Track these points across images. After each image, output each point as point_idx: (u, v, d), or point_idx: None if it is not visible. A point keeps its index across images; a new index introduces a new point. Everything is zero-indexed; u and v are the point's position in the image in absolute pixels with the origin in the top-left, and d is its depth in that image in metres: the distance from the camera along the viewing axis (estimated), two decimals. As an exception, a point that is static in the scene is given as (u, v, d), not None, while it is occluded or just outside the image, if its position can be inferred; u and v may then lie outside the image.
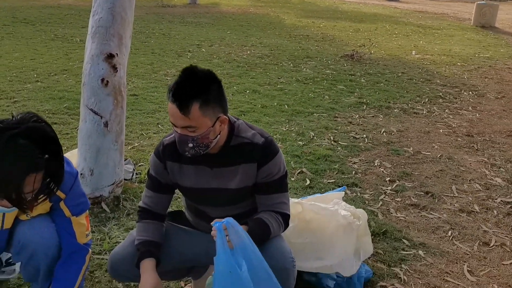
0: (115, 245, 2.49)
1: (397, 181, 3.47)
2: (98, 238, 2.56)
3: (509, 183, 3.51)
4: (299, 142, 4.19)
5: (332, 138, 4.38)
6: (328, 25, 12.94)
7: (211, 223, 1.59)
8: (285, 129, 4.56)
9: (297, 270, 1.78)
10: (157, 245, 1.85)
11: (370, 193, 3.27)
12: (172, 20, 12.22)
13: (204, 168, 1.82)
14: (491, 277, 2.40)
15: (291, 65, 7.68)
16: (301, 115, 5.09)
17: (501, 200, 3.23)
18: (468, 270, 2.43)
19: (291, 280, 1.72)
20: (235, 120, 1.85)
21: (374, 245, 2.50)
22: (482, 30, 13.26)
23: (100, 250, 2.46)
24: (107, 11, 2.85)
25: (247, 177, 1.80)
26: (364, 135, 4.49)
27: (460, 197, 3.26)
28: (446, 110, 5.49)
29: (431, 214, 3.00)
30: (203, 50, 8.52)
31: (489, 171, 3.73)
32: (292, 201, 2.22)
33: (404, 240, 2.67)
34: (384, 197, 3.21)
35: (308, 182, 3.36)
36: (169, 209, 2.01)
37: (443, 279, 2.36)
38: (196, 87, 1.59)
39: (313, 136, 4.41)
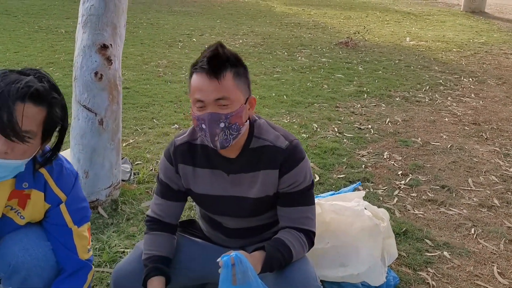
0: (116, 255, 2.29)
1: (410, 175, 3.30)
2: (96, 248, 2.34)
3: (525, 174, 3.37)
4: (303, 135, 3.99)
5: (336, 129, 4.19)
6: (318, 12, 12.71)
7: (218, 260, 1.38)
8: (286, 121, 4.36)
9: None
10: (167, 260, 1.64)
11: (383, 188, 3.09)
12: (160, 9, 11.86)
13: (221, 173, 1.60)
14: (522, 278, 2.24)
15: (286, 53, 7.46)
16: (301, 105, 4.90)
17: (519, 193, 3.09)
18: (498, 272, 2.27)
19: None
20: (256, 118, 1.62)
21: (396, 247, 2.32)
22: (472, 16, 13.12)
23: (100, 261, 2.24)
24: (98, -3, 2.60)
25: (268, 186, 1.58)
26: (369, 126, 4.31)
27: (478, 190, 3.10)
28: (449, 98, 5.34)
29: (451, 210, 2.84)
30: (194, 40, 8.24)
31: (503, 161, 3.58)
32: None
33: (426, 240, 2.50)
34: (398, 193, 3.03)
35: (317, 178, 3.17)
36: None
37: (474, 283, 2.19)
38: (229, 56, 1.44)
39: (316, 128, 4.22)
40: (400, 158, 3.60)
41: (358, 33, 8.45)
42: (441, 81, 6.05)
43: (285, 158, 1.55)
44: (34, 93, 1.30)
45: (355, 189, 2.52)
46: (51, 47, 6.99)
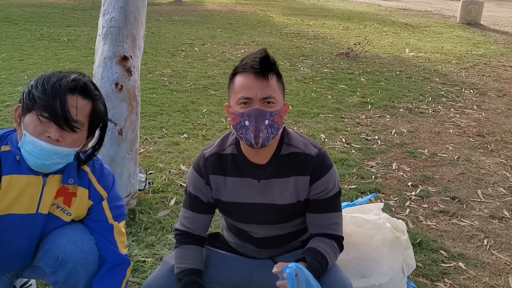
0: (137, 264, 2.32)
1: (420, 186, 3.35)
2: (118, 257, 2.36)
3: (531, 186, 3.43)
4: (311, 146, 4.04)
5: (344, 140, 4.24)
6: (317, 23, 12.84)
7: (274, 270, 1.41)
8: (294, 132, 4.40)
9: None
10: (200, 273, 1.66)
11: (395, 199, 3.14)
12: (159, 18, 11.94)
13: (251, 182, 1.64)
14: (536, 289, 2.29)
15: (288, 63, 7.53)
16: (307, 116, 4.95)
17: (527, 204, 3.14)
18: (514, 283, 2.31)
19: None
20: (285, 126, 1.68)
21: (413, 258, 2.36)
22: (468, 28, 13.31)
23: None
24: (119, 10, 2.64)
25: (299, 192, 1.63)
26: (376, 137, 4.37)
27: (488, 202, 3.16)
28: (452, 110, 5.41)
29: (462, 221, 2.89)
30: (196, 49, 8.30)
31: (509, 173, 3.64)
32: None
33: (441, 251, 2.54)
34: (410, 204, 3.08)
35: (329, 188, 3.21)
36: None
37: (491, 293, 2.24)
38: (275, 61, 1.54)
39: (324, 138, 4.27)
40: (409, 169, 3.65)
41: (359, 44, 8.55)
42: (443, 92, 6.14)
43: (316, 165, 1.60)
44: (82, 87, 1.44)
45: (369, 200, 2.56)
46: (55, 55, 7.01)
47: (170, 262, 1.70)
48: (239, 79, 1.53)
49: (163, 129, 4.31)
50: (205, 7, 15.35)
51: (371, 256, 2.07)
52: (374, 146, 4.14)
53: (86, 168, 1.59)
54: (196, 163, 1.70)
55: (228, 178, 1.65)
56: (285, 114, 1.59)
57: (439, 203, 3.11)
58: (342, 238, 1.67)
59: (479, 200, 3.18)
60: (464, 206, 3.08)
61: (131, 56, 2.65)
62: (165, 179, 3.26)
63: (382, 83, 6.50)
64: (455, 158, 3.91)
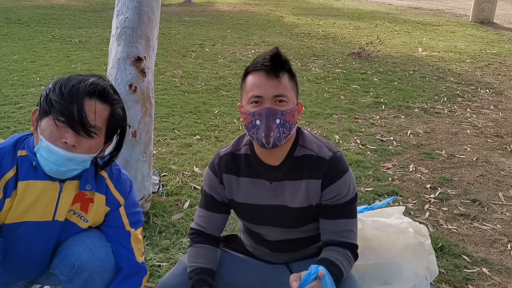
0: (152, 269, 2.27)
1: (439, 188, 3.27)
2: (132, 261, 2.32)
3: (553, 188, 3.33)
4: (326, 147, 3.97)
5: (358, 141, 4.17)
6: (327, 23, 12.74)
7: (292, 283, 1.35)
8: (308, 133, 4.34)
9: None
10: (212, 273, 1.62)
11: (413, 202, 3.07)
12: (169, 19, 11.92)
13: (263, 183, 1.60)
14: None
15: (299, 64, 7.46)
16: (320, 116, 4.89)
17: (551, 207, 3.05)
18: (541, 289, 2.24)
19: None
20: (300, 127, 1.63)
21: (435, 263, 2.29)
22: (481, 26, 13.13)
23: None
24: (133, 10, 2.60)
25: (311, 196, 1.57)
26: (391, 138, 4.29)
27: (510, 205, 3.07)
28: (468, 110, 5.31)
29: (484, 225, 2.81)
30: (207, 49, 8.27)
31: (530, 175, 3.55)
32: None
33: (463, 256, 2.47)
34: (429, 207, 3.00)
35: (346, 191, 3.15)
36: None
37: (517, 300, 2.16)
38: (287, 59, 1.52)
39: (338, 139, 4.20)
40: (427, 171, 3.57)
41: (371, 43, 8.45)
42: (458, 92, 6.04)
43: (328, 169, 1.55)
44: (101, 91, 1.39)
45: (388, 204, 2.50)
46: (66, 56, 7.01)
47: (184, 261, 1.67)
48: (250, 78, 1.50)
49: (175, 131, 4.27)
50: (214, 7, 15.31)
51: (393, 261, 2.01)
52: (390, 147, 4.06)
53: (104, 174, 1.55)
54: (211, 162, 1.69)
55: (241, 179, 1.62)
56: (299, 113, 1.56)
57: (460, 206, 3.03)
58: (357, 246, 1.61)
59: (501, 203, 3.09)
60: (485, 209, 3.00)
61: (145, 57, 2.61)
62: (178, 181, 3.22)
63: (395, 83, 6.41)
64: (474, 159, 3.82)
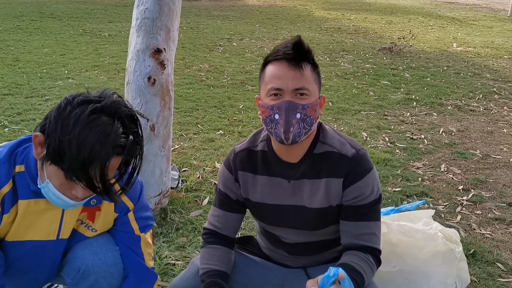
0: (166, 267, 2.21)
1: (472, 190, 3.08)
2: (147, 259, 2.26)
3: None
4: (353, 144, 3.83)
5: (387, 139, 4.00)
6: (358, 17, 12.47)
7: (330, 271, 1.24)
8: (334, 129, 4.20)
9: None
10: (225, 276, 1.52)
11: (444, 204, 2.90)
12: (199, 13, 11.91)
13: (280, 182, 1.49)
14: None
15: (328, 59, 7.29)
16: (347, 113, 4.73)
17: None
18: None
19: None
20: (322, 123, 1.51)
21: (466, 271, 2.13)
22: (521, 21, 12.59)
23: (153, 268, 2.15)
24: (153, 1, 2.53)
25: (331, 196, 1.45)
26: (422, 136, 4.11)
27: (549, 209, 2.87)
28: (505, 107, 5.05)
29: (521, 230, 2.62)
30: (234, 44, 8.19)
31: None
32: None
33: (498, 263, 2.30)
34: (461, 210, 2.83)
35: (372, 191, 3.00)
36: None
37: (557, 314, 1.99)
38: (310, 48, 1.39)
39: (366, 137, 4.05)
40: (459, 171, 3.38)
41: (403, 38, 8.19)
42: (494, 89, 5.75)
43: (351, 167, 1.43)
44: (123, 147, 1.20)
45: (418, 207, 2.35)
46: (95, 50, 7.07)
47: (197, 263, 1.58)
48: (270, 69, 1.39)
49: (199, 125, 4.21)
50: (244, 2, 15.23)
51: (420, 269, 1.87)
52: (420, 145, 3.88)
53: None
54: (226, 159, 1.59)
55: (257, 177, 1.52)
56: (321, 108, 1.44)
57: (494, 209, 2.85)
58: (379, 251, 1.47)
59: (540, 207, 2.89)
60: (523, 214, 2.81)
61: (164, 48, 2.54)
62: (199, 177, 3.15)
63: (428, 79, 6.17)
64: (511, 160, 3.60)
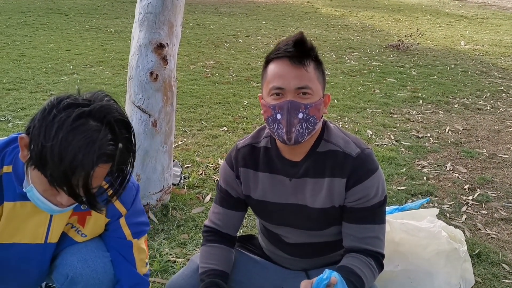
0: (167, 265, 2.19)
1: (478, 190, 3.04)
2: (147, 255, 2.24)
3: None
4: (357, 142, 3.79)
5: (392, 137, 3.96)
6: (365, 14, 12.39)
7: (324, 275, 1.21)
8: (339, 127, 4.17)
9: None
10: (225, 275, 1.49)
11: (449, 203, 2.86)
12: (205, 10, 11.88)
13: (282, 179, 1.46)
14: None
15: (334, 56, 7.24)
16: (353, 110, 4.69)
17: None
18: None
19: None
20: (326, 120, 1.48)
21: (470, 271, 2.10)
22: (530, 19, 12.45)
23: (151, 271, 2.13)
24: (156, -5, 2.51)
25: (334, 196, 1.41)
26: (428, 134, 4.06)
27: (557, 210, 2.82)
28: (513, 106, 4.98)
29: (528, 231, 2.58)
30: (240, 40, 8.16)
31: None
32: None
33: (503, 264, 2.26)
34: (467, 209, 2.79)
35: (376, 189, 2.97)
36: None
37: None
38: (313, 45, 1.35)
39: (371, 135, 4.01)
40: (465, 170, 3.33)
41: (410, 36, 8.11)
42: (502, 88, 5.69)
43: (355, 167, 1.39)
44: (109, 156, 1.12)
45: (422, 206, 2.32)
46: (101, 46, 7.06)
47: (196, 261, 1.56)
48: (272, 67, 1.35)
49: (203, 121, 4.19)
50: (251, -1, 15.17)
51: (423, 268, 1.84)
52: (426, 144, 3.83)
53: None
54: (228, 155, 1.55)
55: (259, 174, 1.48)
56: (325, 106, 1.40)
57: (500, 209, 2.80)
58: (383, 256, 1.43)
59: (547, 208, 2.84)
60: (530, 214, 2.76)
61: (167, 43, 2.52)
62: (201, 173, 3.13)
63: (435, 77, 6.11)
64: (518, 159, 3.55)
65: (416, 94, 5.29)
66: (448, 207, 2.81)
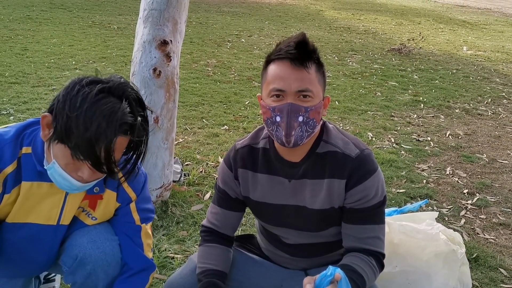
0: (165, 261, 2.19)
1: (477, 194, 3.05)
2: (146, 251, 2.24)
3: None
4: (358, 144, 3.80)
5: (393, 140, 3.97)
6: (368, 18, 12.40)
7: (327, 271, 1.21)
8: (339, 129, 4.18)
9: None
10: (222, 275, 1.49)
11: (448, 207, 2.86)
12: (208, 9, 11.89)
13: (281, 181, 1.45)
14: None
15: (336, 58, 7.25)
16: (354, 112, 4.70)
17: None
18: None
19: None
20: (325, 121, 1.47)
21: (468, 275, 2.10)
22: (533, 27, 12.46)
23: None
24: (161, -8, 2.52)
25: (333, 197, 1.41)
26: (428, 138, 4.07)
27: (555, 216, 2.83)
28: (514, 113, 4.99)
29: (526, 236, 2.59)
30: (243, 40, 8.17)
31: None
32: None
33: (500, 269, 2.27)
34: (465, 213, 2.80)
35: (375, 191, 2.98)
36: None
37: (560, 322, 1.96)
38: (315, 47, 1.33)
39: (371, 137, 4.01)
40: (465, 175, 3.34)
41: (413, 40, 8.13)
42: (504, 94, 5.70)
43: (354, 168, 1.38)
44: (130, 126, 1.21)
45: (420, 207, 2.32)
46: (103, 42, 7.07)
47: (195, 260, 1.56)
48: (272, 68, 1.33)
49: (204, 120, 4.19)
50: (254, -1, 15.19)
51: (421, 270, 1.85)
52: (426, 148, 3.84)
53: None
54: (227, 155, 1.54)
55: (258, 175, 1.48)
56: (325, 108, 1.39)
57: (499, 214, 2.81)
58: (383, 255, 1.44)
59: (546, 214, 2.85)
60: (528, 220, 2.77)
61: (171, 40, 2.53)
62: (201, 171, 3.14)
63: (436, 81, 6.12)
64: (518, 165, 3.56)
65: (417, 98, 5.30)
66: (447, 211, 2.81)
